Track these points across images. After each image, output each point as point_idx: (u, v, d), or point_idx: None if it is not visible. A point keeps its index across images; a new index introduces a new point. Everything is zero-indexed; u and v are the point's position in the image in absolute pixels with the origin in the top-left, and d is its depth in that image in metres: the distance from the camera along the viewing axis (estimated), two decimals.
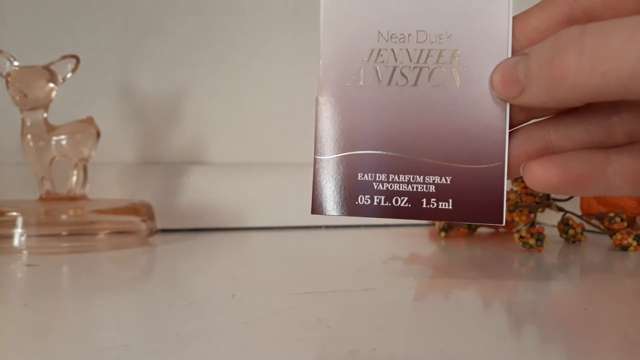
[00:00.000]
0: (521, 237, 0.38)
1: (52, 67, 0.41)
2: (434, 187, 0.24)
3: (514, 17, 0.23)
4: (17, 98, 0.39)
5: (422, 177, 0.24)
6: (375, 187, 0.24)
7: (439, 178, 0.24)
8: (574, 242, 0.42)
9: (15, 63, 0.40)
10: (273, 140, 0.56)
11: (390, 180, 0.24)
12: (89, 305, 0.25)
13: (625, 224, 0.39)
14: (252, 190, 0.52)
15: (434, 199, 0.24)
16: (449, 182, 0.24)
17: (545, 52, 0.20)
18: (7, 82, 0.40)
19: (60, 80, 0.41)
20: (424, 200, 0.24)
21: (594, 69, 0.18)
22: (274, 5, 0.56)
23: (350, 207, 0.25)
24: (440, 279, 0.30)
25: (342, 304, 0.25)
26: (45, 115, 0.41)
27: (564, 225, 0.41)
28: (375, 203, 0.24)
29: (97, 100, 0.53)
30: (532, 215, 0.42)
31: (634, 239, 0.38)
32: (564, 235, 0.42)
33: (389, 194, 0.24)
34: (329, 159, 0.25)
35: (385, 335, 0.20)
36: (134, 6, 0.54)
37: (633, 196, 0.38)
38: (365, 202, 0.24)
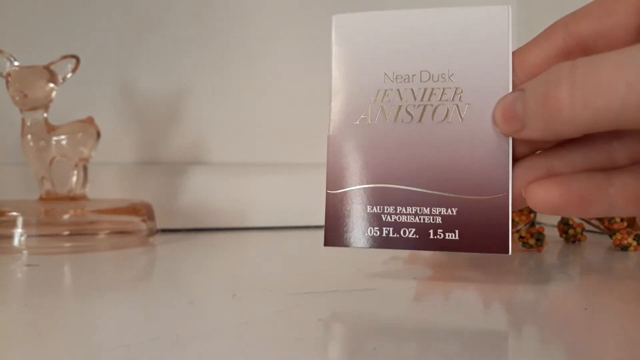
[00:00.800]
0: (521, 237, 0.38)
1: (52, 67, 0.41)
2: (440, 218, 0.25)
3: (512, 53, 0.24)
4: (17, 98, 0.39)
5: (428, 208, 0.25)
6: (384, 219, 0.25)
7: (445, 209, 0.25)
8: (573, 242, 0.42)
9: (16, 63, 0.40)
10: (273, 140, 0.56)
11: (398, 212, 0.25)
12: (89, 305, 0.25)
13: (625, 223, 0.39)
14: (252, 190, 0.52)
15: (441, 230, 0.25)
16: (455, 214, 0.25)
17: (539, 88, 0.21)
18: (7, 82, 0.40)
19: (60, 80, 0.41)
20: (431, 231, 0.25)
21: (586, 103, 0.19)
22: (274, 5, 0.56)
23: (361, 238, 0.26)
24: (440, 279, 0.30)
25: (342, 304, 0.25)
26: (45, 115, 0.41)
27: (564, 225, 0.41)
28: (384, 234, 0.25)
29: (97, 100, 0.53)
30: (531, 215, 0.42)
31: (633, 239, 0.38)
32: (564, 235, 0.42)
33: (397, 226, 0.25)
34: (340, 193, 0.26)
35: (385, 335, 0.20)
36: (134, 6, 0.54)
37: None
38: (374, 233, 0.25)
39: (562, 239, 0.42)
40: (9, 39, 0.52)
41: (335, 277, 0.30)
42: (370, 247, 0.25)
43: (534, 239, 0.37)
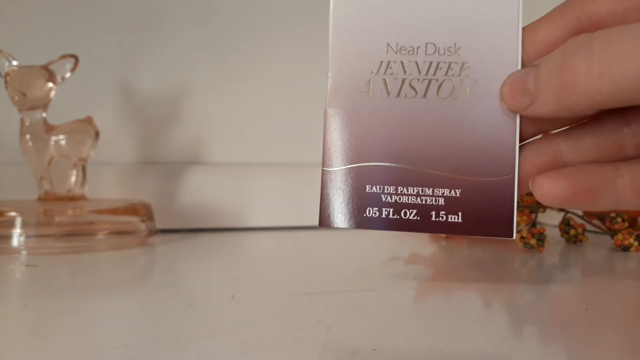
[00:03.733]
0: (522, 237, 0.38)
1: (51, 67, 0.41)
2: (443, 199, 0.24)
3: (522, 29, 0.23)
4: (16, 98, 0.39)
5: (431, 189, 0.24)
6: (384, 199, 0.24)
7: (448, 191, 0.24)
8: (575, 242, 0.42)
9: (14, 63, 0.40)
10: (273, 140, 0.56)
11: (399, 192, 0.24)
12: (89, 306, 0.25)
13: (626, 224, 0.39)
14: (252, 190, 0.52)
15: (443, 212, 0.24)
16: (458, 195, 0.24)
17: (554, 59, 0.20)
18: (6, 81, 0.40)
19: (59, 79, 0.41)
20: (433, 213, 0.24)
21: (603, 73, 0.18)
22: (274, 5, 0.56)
23: (358, 219, 0.24)
24: (440, 279, 0.30)
25: (342, 304, 0.24)
26: (44, 115, 0.41)
27: (565, 226, 0.41)
28: (383, 216, 0.24)
29: (97, 100, 0.53)
30: (533, 215, 0.41)
31: (635, 239, 0.38)
32: (565, 236, 0.42)
33: (398, 207, 0.24)
34: (337, 170, 0.24)
35: (385, 335, 0.20)
36: (134, 5, 0.53)
37: None
38: (373, 214, 0.24)
39: (563, 239, 0.42)
40: (9, 39, 0.51)
41: (335, 277, 0.30)
42: (367, 229, 0.24)
43: (535, 239, 0.37)
